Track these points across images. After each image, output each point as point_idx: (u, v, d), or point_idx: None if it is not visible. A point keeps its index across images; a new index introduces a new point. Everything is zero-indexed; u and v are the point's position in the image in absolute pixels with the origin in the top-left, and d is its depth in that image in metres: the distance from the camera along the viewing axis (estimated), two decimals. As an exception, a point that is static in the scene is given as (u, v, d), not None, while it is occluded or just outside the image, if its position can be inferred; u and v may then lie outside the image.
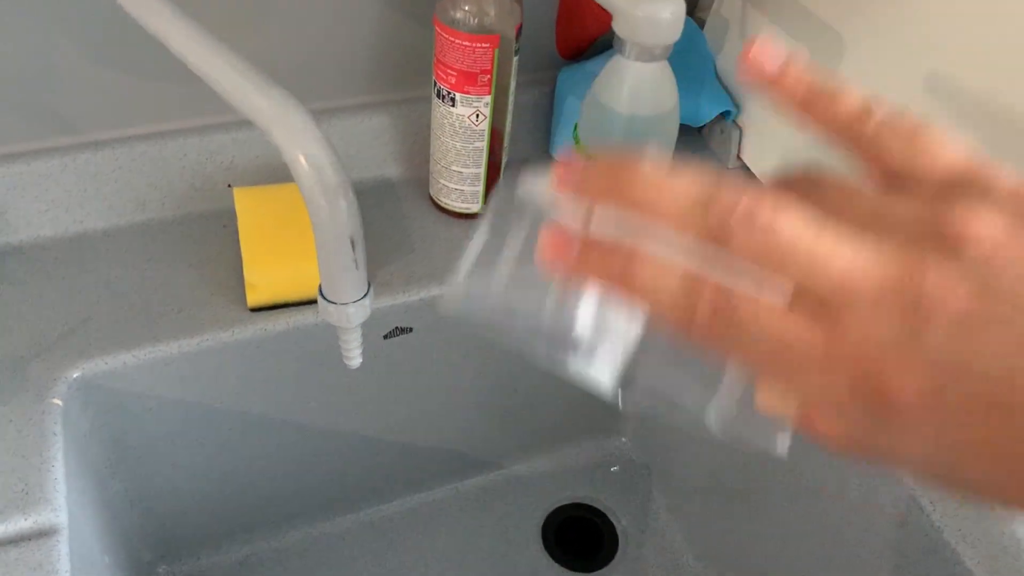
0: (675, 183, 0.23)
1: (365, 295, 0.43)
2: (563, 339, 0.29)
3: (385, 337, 0.63)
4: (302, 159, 0.35)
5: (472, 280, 0.29)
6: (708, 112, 0.67)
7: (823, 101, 0.26)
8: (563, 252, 0.25)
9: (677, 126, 0.62)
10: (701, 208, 0.23)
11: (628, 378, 0.29)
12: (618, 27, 0.53)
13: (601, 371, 0.29)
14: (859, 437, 0.24)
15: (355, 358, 0.47)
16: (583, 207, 0.26)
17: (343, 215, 0.36)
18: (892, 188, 0.24)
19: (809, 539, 0.61)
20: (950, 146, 0.25)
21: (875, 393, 0.22)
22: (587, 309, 0.28)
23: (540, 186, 0.27)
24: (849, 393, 0.22)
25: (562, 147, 0.69)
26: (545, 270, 0.26)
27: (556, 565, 0.75)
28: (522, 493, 0.79)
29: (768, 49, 0.27)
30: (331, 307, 0.42)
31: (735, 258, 0.23)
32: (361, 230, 0.37)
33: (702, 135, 0.71)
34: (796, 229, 0.22)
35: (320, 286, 0.41)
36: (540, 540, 0.77)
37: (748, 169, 0.67)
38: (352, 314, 0.42)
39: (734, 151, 0.67)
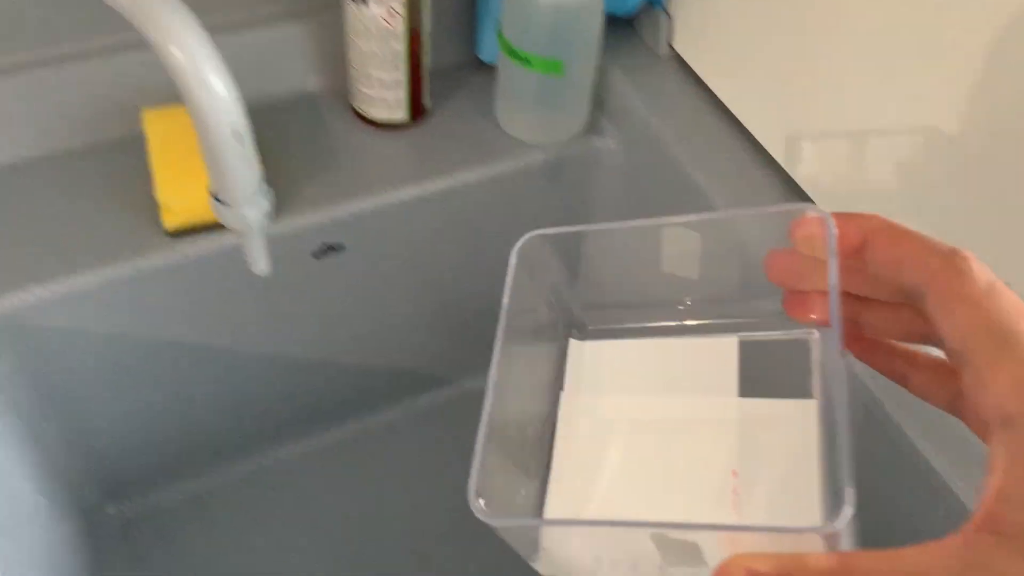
0: None
1: (262, 195, 0.40)
2: None
3: (315, 256, 0.60)
4: (173, 49, 0.32)
5: None
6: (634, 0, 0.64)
7: None
8: None
9: (603, 16, 0.59)
10: None
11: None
12: (527, -95, 0.50)
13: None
14: None
15: (260, 263, 0.45)
16: None
17: (222, 105, 0.33)
18: None
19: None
20: None
21: None
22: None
23: None
24: None
25: (487, 47, 0.66)
26: None
27: (514, 476, 0.75)
28: (477, 407, 0.78)
29: None
30: (224, 209, 0.39)
31: None
32: (246, 123, 0.35)
33: (632, 25, 0.68)
34: None
35: (210, 187, 0.39)
36: (497, 453, 0.76)
37: (681, 58, 0.65)
38: (248, 216, 0.39)
39: (664, 39, 0.64)
